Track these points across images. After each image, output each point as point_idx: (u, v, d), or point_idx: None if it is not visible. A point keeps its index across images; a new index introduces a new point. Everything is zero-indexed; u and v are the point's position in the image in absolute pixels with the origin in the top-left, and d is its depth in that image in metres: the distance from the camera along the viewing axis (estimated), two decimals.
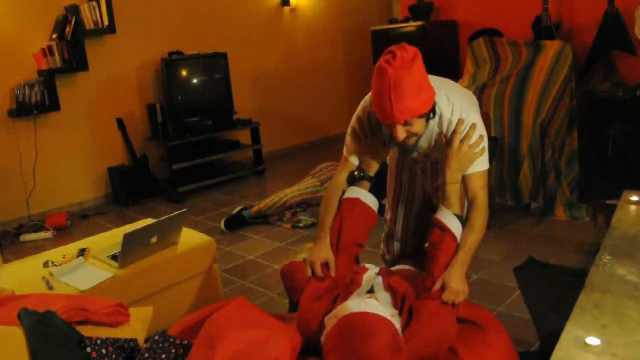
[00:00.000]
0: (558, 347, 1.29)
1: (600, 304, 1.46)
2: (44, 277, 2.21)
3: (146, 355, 1.55)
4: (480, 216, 1.76)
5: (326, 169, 4.20)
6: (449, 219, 1.76)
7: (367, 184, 1.91)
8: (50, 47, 4.39)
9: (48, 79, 4.35)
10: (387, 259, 2.38)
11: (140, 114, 5.10)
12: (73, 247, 2.55)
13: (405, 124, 1.66)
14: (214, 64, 5.21)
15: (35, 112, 4.28)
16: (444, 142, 1.81)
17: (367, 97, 1.88)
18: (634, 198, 2.21)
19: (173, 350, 1.58)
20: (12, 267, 2.49)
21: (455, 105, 1.77)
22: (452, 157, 1.77)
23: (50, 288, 2.12)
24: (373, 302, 1.62)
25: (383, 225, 2.37)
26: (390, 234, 2.33)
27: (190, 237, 2.57)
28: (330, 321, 1.60)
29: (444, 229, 1.75)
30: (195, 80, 5.16)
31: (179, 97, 5.01)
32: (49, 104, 4.38)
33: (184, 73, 5.06)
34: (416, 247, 2.29)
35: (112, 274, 2.21)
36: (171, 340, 1.61)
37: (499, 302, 2.50)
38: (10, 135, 4.33)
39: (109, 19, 4.55)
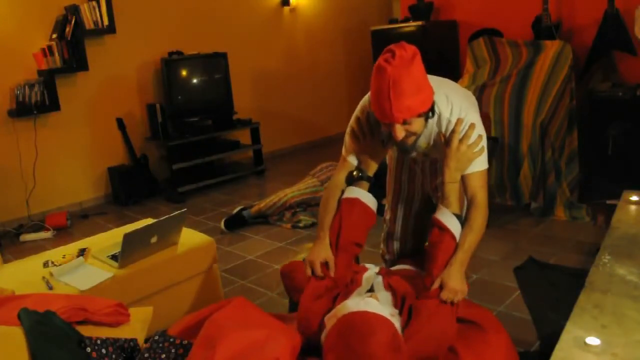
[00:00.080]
0: (558, 347, 1.29)
1: (600, 304, 1.46)
2: (44, 277, 2.21)
3: (146, 355, 1.55)
4: (479, 216, 1.76)
5: (326, 169, 4.20)
6: (448, 218, 1.76)
7: (366, 184, 1.91)
8: (50, 47, 4.39)
9: (48, 79, 4.35)
10: (386, 259, 2.38)
11: (140, 114, 5.10)
12: (73, 247, 2.55)
13: (404, 123, 1.66)
14: (214, 64, 5.21)
15: (35, 112, 4.28)
16: (443, 142, 1.81)
17: (366, 97, 1.88)
18: (634, 198, 2.21)
19: (173, 350, 1.58)
20: (12, 267, 2.49)
21: (454, 104, 1.77)
22: (451, 157, 1.77)
23: (50, 288, 2.12)
24: (373, 302, 1.62)
25: (382, 225, 2.37)
26: (390, 233, 2.33)
27: (190, 237, 2.56)
28: (330, 320, 1.60)
29: (443, 229, 1.75)
30: (195, 80, 5.16)
31: (179, 97, 5.01)
32: (49, 104, 4.38)
33: (184, 73, 5.06)
34: (416, 247, 2.29)
35: (112, 274, 2.21)
36: (171, 340, 1.61)
37: (499, 302, 2.50)
38: (10, 135, 4.33)
39: (109, 19, 4.55)
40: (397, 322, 1.58)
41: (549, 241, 3.16)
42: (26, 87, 4.26)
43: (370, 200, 1.90)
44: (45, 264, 2.34)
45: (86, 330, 1.57)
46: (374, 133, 1.89)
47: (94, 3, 4.50)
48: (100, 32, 4.60)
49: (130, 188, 4.79)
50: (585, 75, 4.08)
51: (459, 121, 1.76)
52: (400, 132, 1.68)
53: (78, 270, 2.26)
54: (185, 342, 1.60)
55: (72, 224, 4.37)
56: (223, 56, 5.21)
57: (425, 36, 4.80)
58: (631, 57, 3.92)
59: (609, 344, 1.28)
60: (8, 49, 4.26)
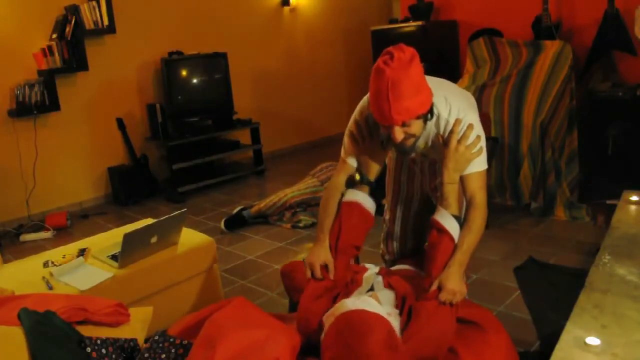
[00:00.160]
0: (558, 347, 1.29)
1: (600, 304, 1.46)
2: (44, 277, 2.21)
3: (146, 355, 1.55)
4: (478, 217, 1.76)
5: (326, 169, 4.20)
6: (446, 220, 1.76)
7: (366, 187, 1.92)
8: (50, 47, 4.39)
9: (48, 79, 4.36)
10: (386, 259, 2.39)
11: (140, 114, 5.10)
12: (73, 247, 2.55)
13: (403, 125, 1.66)
14: (214, 64, 5.21)
15: (35, 112, 4.28)
16: (442, 143, 1.81)
17: (365, 99, 1.89)
18: (634, 198, 2.21)
19: (173, 350, 1.58)
20: (12, 267, 2.49)
21: (453, 105, 1.77)
22: (449, 158, 1.77)
23: (50, 288, 2.12)
24: (370, 300, 1.63)
25: (382, 225, 2.37)
26: (389, 233, 2.33)
27: (190, 237, 2.57)
28: (328, 319, 1.61)
29: (442, 230, 1.75)
30: (195, 80, 5.16)
31: (179, 97, 5.01)
32: (49, 104, 4.38)
33: (184, 73, 5.06)
34: (415, 247, 2.29)
35: (112, 274, 2.21)
36: (171, 340, 1.61)
37: (499, 302, 2.50)
38: (10, 135, 4.33)
39: (109, 19, 4.55)
40: (394, 321, 1.58)
41: (549, 241, 3.16)
42: (26, 87, 4.26)
43: (369, 204, 1.91)
44: (45, 264, 2.34)
45: (86, 330, 1.57)
46: (373, 135, 1.89)
47: (94, 3, 4.50)
48: (100, 32, 4.60)
49: (130, 188, 4.79)
50: (585, 75, 4.08)
51: (457, 122, 1.76)
52: (399, 134, 1.68)
53: (78, 270, 2.26)
54: (185, 342, 1.60)
55: (72, 224, 4.37)
56: (223, 56, 5.21)
57: (425, 36, 4.80)
58: (631, 57, 3.92)
59: (609, 344, 1.28)
60: (8, 49, 4.26)
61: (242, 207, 4.06)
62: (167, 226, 2.36)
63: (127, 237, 2.19)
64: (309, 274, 1.84)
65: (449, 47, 4.97)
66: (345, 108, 6.75)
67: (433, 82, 1.78)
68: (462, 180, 1.80)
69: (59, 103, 4.44)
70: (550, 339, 1.73)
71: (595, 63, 4.05)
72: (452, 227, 1.75)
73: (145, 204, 4.77)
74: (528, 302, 2.45)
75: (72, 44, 4.46)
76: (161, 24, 5.11)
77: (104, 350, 1.50)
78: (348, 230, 1.87)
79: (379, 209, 2.01)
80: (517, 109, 3.57)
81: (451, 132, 1.77)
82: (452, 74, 4.50)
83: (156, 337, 1.60)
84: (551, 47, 3.71)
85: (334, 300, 1.74)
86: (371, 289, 1.81)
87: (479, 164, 1.79)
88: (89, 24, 4.50)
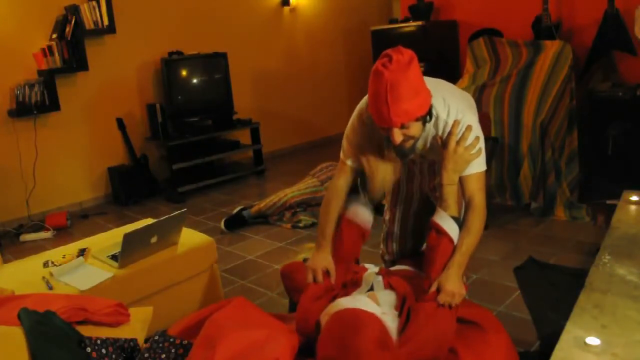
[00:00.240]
0: (558, 347, 1.29)
1: (600, 304, 1.46)
2: (44, 277, 2.21)
3: (146, 355, 1.55)
4: (477, 218, 1.77)
5: (326, 169, 4.20)
6: (445, 221, 1.76)
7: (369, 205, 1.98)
8: (50, 47, 4.39)
9: (48, 79, 4.36)
10: (386, 259, 2.38)
11: (140, 114, 5.10)
12: (73, 247, 2.55)
13: (402, 127, 1.66)
14: (214, 64, 5.21)
15: (35, 112, 4.28)
16: (440, 144, 1.81)
17: (363, 101, 1.89)
18: (634, 198, 2.21)
19: (173, 350, 1.58)
20: (12, 267, 2.49)
21: (451, 106, 1.78)
22: (448, 159, 1.77)
23: (50, 288, 2.12)
24: (365, 299, 1.63)
25: (382, 226, 2.37)
26: (389, 234, 2.33)
27: (190, 237, 2.57)
28: (323, 318, 1.61)
29: (441, 232, 1.75)
30: (195, 80, 5.16)
31: (179, 97, 5.01)
32: (49, 104, 4.38)
33: (184, 73, 5.06)
34: (415, 247, 2.29)
35: (112, 274, 2.21)
36: (171, 340, 1.61)
37: (499, 302, 2.50)
38: (10, 135, 4.33)
39: (109, 19, 4.55)
40: (390, 321, 1.58)
41: (549, 241, 3.16)
42: (26, 87, 4.26)
43: (368, 221, 1.99)
44: (45, 264, 2.34)
45: (86, 330, 1.57)
46: (372, 137, 1.90)
47: (94, 3, 4.50)
48: (100, 32, 4.60)
49: (130, 188, 4.79)
50: (585, 75, 4.08)
51: (456, 123, 1.76)
52: (398, 136, 1.68)
53: (78, 270, 2.26)
54: (185, 342, 1.60)
55: (72, 224, 4.37)
56: (223, 56, 5.21)
57: (425, 36, 4.80)
58: (631, 57, 3.92)
59: (609, 344, 1.28)
60: (8, 49, 4.26)
61: (242, 207, 4.06)
62: (167, 226, 2.36)
63: (127, 237, 2.19)
64: (310, 278, 1.85)
65: (449, 47, 4.97)
66: (345, 108, 6.75)
67: (431, 83, 1.78)
68: (461, 181, 1.80)
69: (59, 103, 4.44)
70: (550, 339, 1.73)
71: (595, 63, 4.05)
72: (451, 228, 1.75)
73: (145, 204, 4.77)
74: (528, 302, 2.45)
75: (72, 44, 4.46)
76: (161, 24, 5.11)
77: (104, 350, 1.50)
78: (348, 245, 1.95)
79: (379, 209, 2.02)
80: (517, 109, 3.57)
81: (450, 133, 1.77)
82: (452, 74, 4.50)
83: (156, 337, 1.60)
84: (551, 47, 3.71)
85: (333, 300, 1.75)
86: (371, 288, 1.81)
87: (478, 165, 1.79)
88: (89, 24, 4.50)
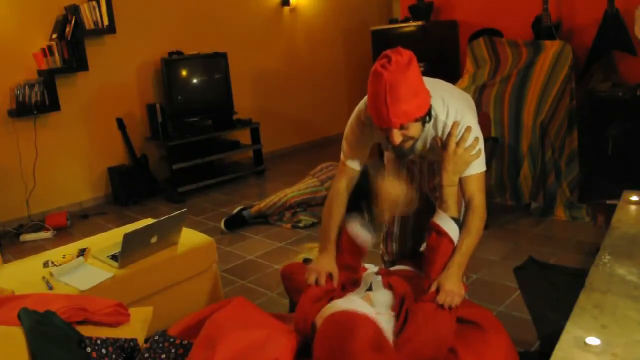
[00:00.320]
0: (558, 347, 1.29)
1: (600, 304, 1.46)
2: (44, 277, 2.20)
3: (146, 355, 1.55)
4: (477, 219, 1.77)
5: (326, 169, 4.20)
6: (445, 222, 1.76)
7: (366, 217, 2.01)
8: (50, 47, 4.39)
9: (48, 79, 4.35)
10: (385, 260, 2.39)
11: (140, 114, 5.10)
12: (73, 247, 2.55)
13: (402, 127, 1.67)
14: (214, 64, 5.21)
15: (35, 112, 4.28)
16: (440, 145, 1.82)
17: (362, 102, 1.89)
18: (634, 198, 2.21)
19: (173, 350, 1.58)
20: (12, 267, 2.49)
21: (450, 107, 1.78)
22: (448, 160, 1.77)
23: (50, 288, 2.12)
24: (358, 301, 1.63)
25: (382, 226, 2.37)
26: (389, 234, 2.33)
27: (190, 237, 2.56)
28: (318, 321, 1.61)
29: (441, 233, 1.76)
30: (195, 80, 5.16)
31: (179, 97, 5.01)
32: (49, 104, 4.38)
33: (184, 73, 5.06)
34: (414, 248, 2.29)
35: (112, 274, 2.21)
36: (171, 340, 1.61)
37: (499, 302, 2.50)
38: (10, 135, 4.33)
39: (109, 19, 4.55)
40: (385, 322, 1.58)
41: (549, 241, 3.16)
42: (26, 87, 4.26)
43: (369, 241, 2.01)
44: (45, 264, 2.34)
45: (86, 330, 1.57)
46: (371, 138, 1.90)
47: (94, 3, 4.50)
48: (100, 32, 4.60)
49: (130, 188, 4.79)
50: (585, 75, 4.08)
51: (455, 124, 1.77)
52: (397, 136, 1.68)
53: (78, 270, 2.26)
54: (185, 342, 1.60)
55: (72, 224, 4.37)
56: (223, 56, 5.21)
57: (425, 36, 4.80)
58: (631, 57, 3.92)
59: (609, 344, 1.28)
60: (8, 49, 4.26)
61: (242, 207, 4.06)
62: (167, 226, 2.36)
63: (127, 237, 2.19)
64: (312, 279, 1.85)
65: (449, 47, 4.96)
66: (345, 108, 6.75)
67: (430, 83, 1.78)
68: (461, 182, 1.80)
69: (59, 103, 4.44)
70: (550, 339, 1.73)
71: (595, 63, 4.05)
72: (451, 229, 1.76)
73: (145, 204, 4.77)
74: (528, 302, 2.45)
75: (72, 44, 4.46)
76: (161, 24, 5.11)
77: (104, 350, 1.50)
78: (348, 255, 1.96)
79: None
80: (517, 109, 3.57)
81: (449, 134, 1.77)
82: (452, 74, 4.50)
83: (156, 337, 1.60)
84: (551, 47, 3.71)
85: (331, 301, 1.75)
86: (370, 288, 1.81)
87: (478, 166, 1.79)
88: (89, 24, 4.50)
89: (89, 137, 4.81)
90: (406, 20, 5.08)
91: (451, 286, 1.66)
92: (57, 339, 1.46)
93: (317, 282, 1.84)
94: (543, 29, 4.11)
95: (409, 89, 1.60)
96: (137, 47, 4.97)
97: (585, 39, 4.06)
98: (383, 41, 5.10)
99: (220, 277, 2.68)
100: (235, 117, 5.42)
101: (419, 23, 4.87)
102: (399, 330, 1.60)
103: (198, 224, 4.02)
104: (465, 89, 3.58)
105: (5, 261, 2.78)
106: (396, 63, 1.58)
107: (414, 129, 1.70)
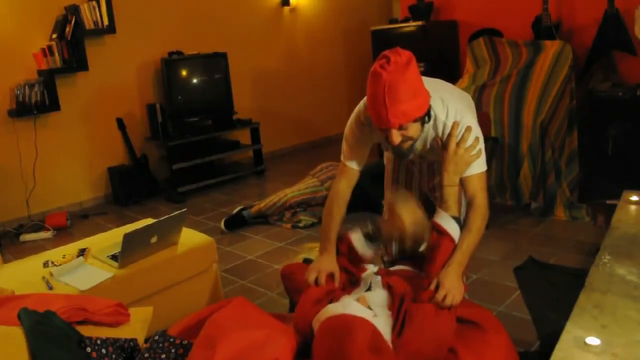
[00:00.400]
0: (558, 347, 1.29)
1: (600, 304, 1.46)
2: (44, 277, 2.20)
3: (146, 355, 1.55)
4: (478, 218, 1.77)
5: (326, 169, 4.20)
6: (446, 221, 1.76)
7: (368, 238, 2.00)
8: (50, 47, 4.39)
9: (48, 79, 4.35)
10: (385, 260, 2.38)
11: (140, 114, 5.10)
12: (73, 247, 2.55)
13: (401, 128, 1.67)
14: (214, 64, 5.21)
15: (35, 112, 4.28)
16: (440, 145, 1.82)
17: (362, 103, 1.89)
18: (634, 198, 2.21)
19: (173, 350, 1.58)
20: (12, 267, 2.49)
21: (450, 107, 1.78)
22: (449, 161, 1.77)
23: (50, 288, 2.12)
24: (354, 304, 1.62)
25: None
26: None
27: (190, 237, 2.56)
28: (315, 324, 1.60)
29: (442, 232, 1.76)
30: (195, 80, 5.16)
31: (179, 97, 5.01)
32: (49, 104, 4.38)
33: (184, 73, 5.06)
34: (414, 248, 2.29)
35: (112, 274, 2.21)
36: (171, 340, 1.61)
37: (499, 302, 2.50)
38: (10, 135, 4.33)
39: (109, 19, 4.55)
40: (382, 323, 1.57)
41: (549, 241, 3.16)
42: (26, 87, 4.26)
43: (368, 254, 1.99)
44: (45, 264, 2.34)
45: (86, 330, 1.57)
46: (370, 139, 1.90)
47: (94, 3, 4.50)
48: (100, 32, 4.60)
49: (130, 188, 4.79)
50: (585, 75, 4.08)
51: (455, 124, 1.77)
52: (396, 137, 1.68)
53: (78, 270, 2.26)
54: (185, 342, 1.60)
55: (72, 224, 4.37)
56: (223, 56, 5.21)
57: (425, 36, 4.80)
58: (631, 57, 3.92)
59: (609, 344, 1.28)
60: (8, 49, 4.26)
61: (242, 207, 4.06)
62: (167, 226, 2.36)
63: (127, 237, 2.19)
64: (312, 279, 1.84)
65: (449, 47, 4.96)
66: (345, 108, 6.75)
67: (429, 83, 1.78)
68: (463, 182, 1.80)
69: (59, 103, 4.44)
70: (550, 339, 1.73)
71: (595, 63, 4.05)
72: (452, 228, 1.76)
73: (145, 204, 4.77)
74: (528, 302, 2.45)
75: (72, 44, 4.46)
76: (161, 24, 5.11)
77: (104, 350, 1.50)
78: (347, 260, 1.96)
79: (379, 209, 2.02)
80: (517, 109, 3.57)
81: (450, 135, 1.77)
82: (452, 74, 4.50)
83: (156, 337, 1.60)
84: (551, 47, 3.71)
85: (330, 302, 1.74)
86: (369, 288, 1.81)
87: (479, 166, 1.79)
88: (89, 24, 4.50)
89: (89, 137, 4.81)
90: (406, 20, 5.08)
91: (451, 283, 1.66)
92: (57, 339, 1.46)
93: (316, 281, 1.84)
94: (543, 29, 4.11)
95: (408, 90, 1.60)
96: (137, 47, 4.97)
97: (585, 39, 4.06)
98: (383, 41, 5.10)
99: (220, 277, 2.68)
100: (235, 117, 5.42)
101: (419, 23, 4.87)
102: (398, 331, 1.60)
103: (198, 224, 4.02)
104: (465, 89, 3.58)
105: (5, 261, 2.78)
106: (395, 63, 1.58)
107: (413, 129, 1.70)
